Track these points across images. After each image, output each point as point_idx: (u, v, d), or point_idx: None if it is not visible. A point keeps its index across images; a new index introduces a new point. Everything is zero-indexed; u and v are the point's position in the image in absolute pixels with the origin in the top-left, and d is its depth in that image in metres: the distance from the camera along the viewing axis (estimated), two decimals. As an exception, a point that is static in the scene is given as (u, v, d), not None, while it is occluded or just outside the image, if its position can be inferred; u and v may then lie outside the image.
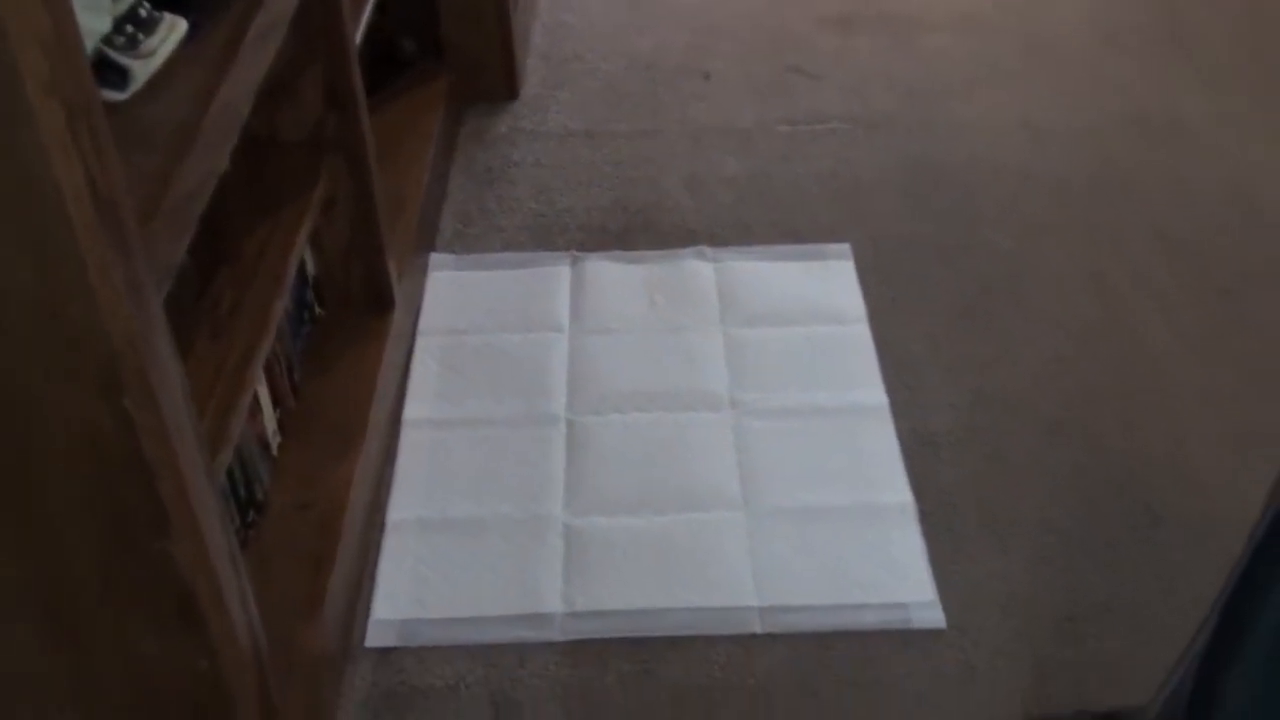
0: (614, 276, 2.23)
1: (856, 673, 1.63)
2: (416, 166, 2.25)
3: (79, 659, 1.18)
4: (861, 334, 2.11)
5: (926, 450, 1.91)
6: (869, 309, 2.16)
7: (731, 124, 2.63)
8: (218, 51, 1.26)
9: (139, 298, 0.99)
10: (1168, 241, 2.30)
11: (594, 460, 1.89)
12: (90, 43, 1.11)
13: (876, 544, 1.77)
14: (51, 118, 0.86)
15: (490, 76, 2.64)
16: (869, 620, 1.68)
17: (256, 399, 1.59)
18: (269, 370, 1.64)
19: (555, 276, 2.23)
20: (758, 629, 1.68)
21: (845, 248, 2.29)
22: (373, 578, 1.74)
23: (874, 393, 2.00)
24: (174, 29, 1.20)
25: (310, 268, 1.87)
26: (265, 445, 1.65)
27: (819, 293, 2.19)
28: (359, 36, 1.89)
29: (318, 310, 1.91)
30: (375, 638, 1.67)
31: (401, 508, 1.83)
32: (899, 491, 1.85)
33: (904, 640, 1.66)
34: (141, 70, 1.16)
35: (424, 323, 2.14)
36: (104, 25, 1.15)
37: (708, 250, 2.28)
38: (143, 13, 1.19)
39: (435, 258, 2.26)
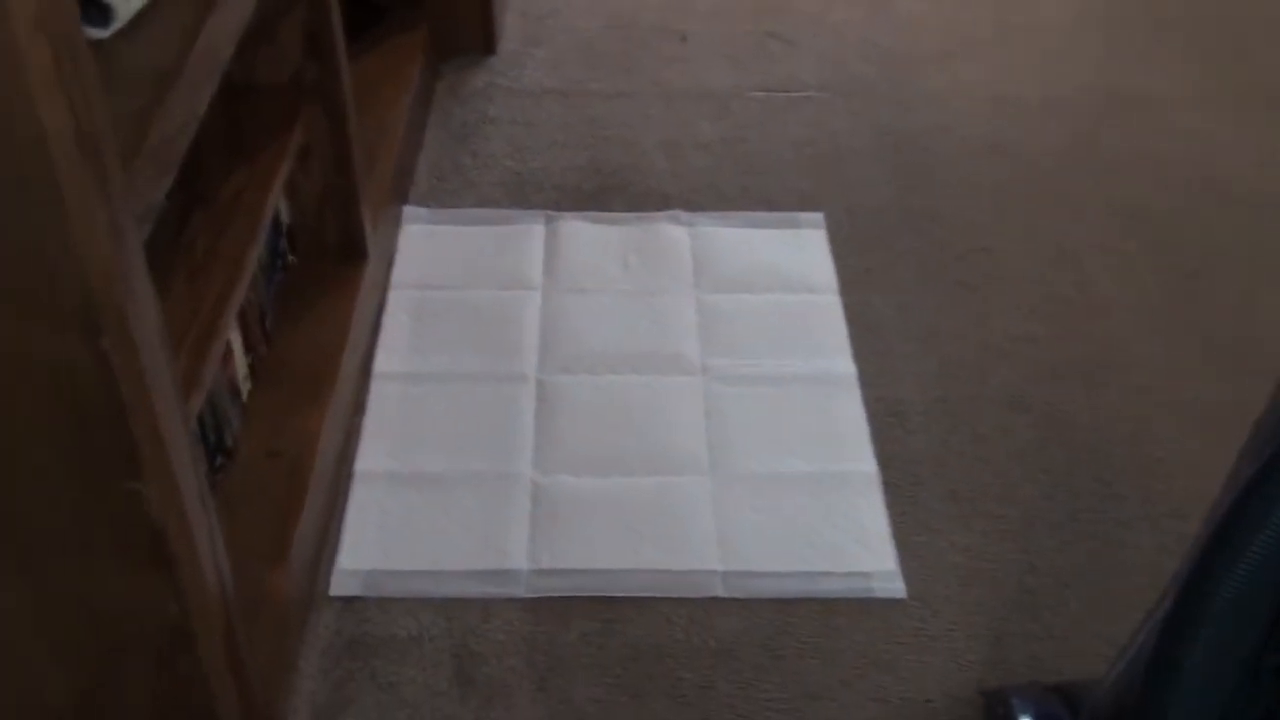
0: (588, 237, 2.23)
1: (817, 639, 1.64)
2: (393, 118, 2.23)
3: (46, 598, 1.18)
4: (832, 303, 2.12)
5: (893, 420, 1.93)
6: (840, 278, 2.17)
7: (707, 88, 2.63)
8: (202, -8, 1.25)
9: (119, 238, 0.99)
10: (1136, 218, 2.32)
11: (563, 419, 1.90)
12: (75, -22, 1.09)
13: (841, 512, 1.79)
14: (38, 54, 0.85)
15: (468, 30, 2.63)
16: (831, 588, 1.70)
17: (229, 345, 1.58)
18: (241, 317, 1.64)
19: (529, 234, 2.22)
20: (720, 592, 1.69)
21: (818, 216, 2.29)
22: (339, 527, 1.74)
23: (843, 362, 2.01)
24: (159, -32, 1.19)
25: (285, 216, 1.86)
26: (236, 391, 1.65)
27: (791, 261, 2.20)
28: (340, -16, 1.87)
29: (291, 258, 1.90)
30: (340, 586, 1.67)
31: (370, 459, 1.83)
32: (864, 461, 1.86)
33: (865, 609, 1.68)
34: (125, 8, 1.15)
35: (396, 275, 2.13)
36: (89, -39, 1.14)
37: (682, 215, 2.28)
38: (127, -50, 1.17)
39: (409, 210, 2.26)
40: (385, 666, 1.59)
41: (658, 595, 1.68)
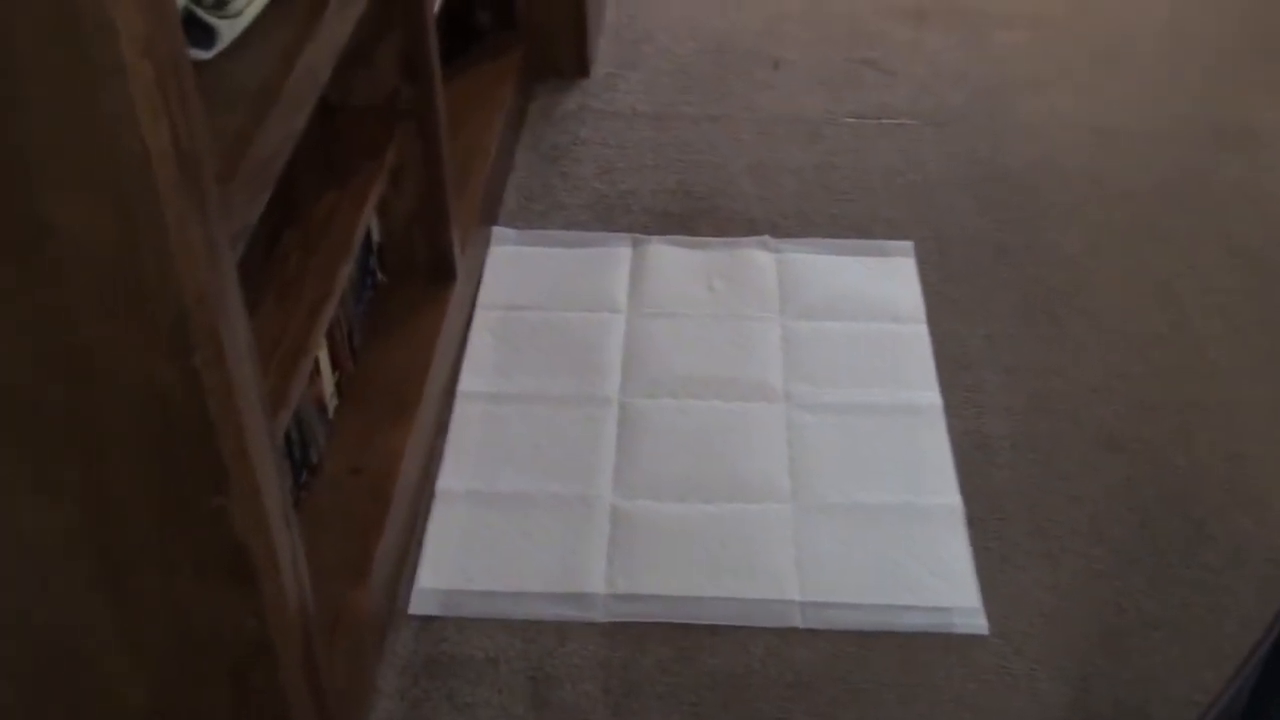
0: (674, 260, 2.22)
1: (896, 674, 1.62)
2: (485, 139, 2.25)
3: (130, 611, 1.19)
4: (920, 333, 2.10)
5: (979, 454, 1.90)
6: (928, 308, 2.14)
7: (799, 114, 2.61)
8: (303, 14, 1.27)
9: (214, 257, 1.00)
10: (1237, 254, 2.27)
11: (645, 444, 1.89)
12: (180, 1, 1.12)
13: (923, 546, 1.77)
14: (143, 75, 0.86)
15: (562, 53, 2.64)
16: (911, 622, 1.68)
17: (316, 362, 1.60)
18: (330, 334, 1.65)
19: (616, 257, 2.23)
20: (799, 623, 1.68)
21: (908, 245, 2.27)
22: (419, 546, 1.75)
23: (929, 393, 1.99)
24: (261, -9, 1.21)
25: (375, 234, 1.88)
26: (323, 408, 1.66)
27: (879, 289, 2.18)
28: (437, 7, 1.89)
29: (380, 277, 1.92)
30: (419, 605, 1.68)
31: (451, 478, 1.84)
32: (948, 494, 1.84)
33: (945, 644, 1.66)
34: (228, 30, 1.17)
35: (483, 296, 2.14)
36: (193, -16, 1.16)
37: (770, 240, 2.27)
38: (231, -27, 1.19)
39: (498, 231, 2.27)
40: (462, 687, 1.59)
41: (735, 624, 1.67)
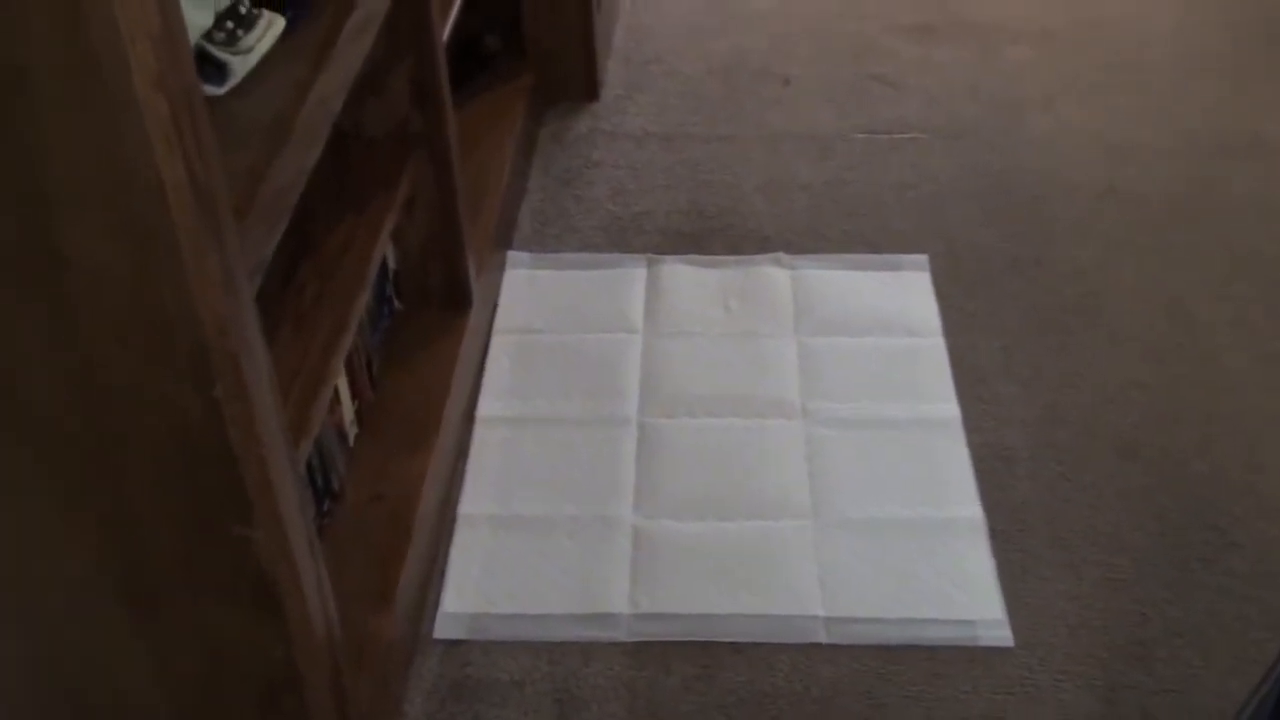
0: (689, 280, 2.23)
1: (921, 688, 1.62)
2: (497, 164, 2.27)
3: (158, 639, 1.21)
4: (936, 346, 2.10)
5: (999, 466, 1.90)
6: (944, 322, 2.15)
7: (810, 131, 2.62)
8: (313, 48, 1.28)
9: (232, 289, 1.01)
10: (1249, 265, 2.27)
11: (664, 463, 1.90)
12: (192, 37, 1.13)
13: (945, 559, 1.77)
14: (157, 110, 0.88)
15: (571, 77, 2.66)
16: (935, 635, 1.68)
17: (335, 391, 1.61)
18: (348, 363, 1.66)
19: (630, 278, 2.24)
20: (823, 639, 1.68)
21: (922, 259, 2.28)
22: (443, 571, 1.76)
23: (947, 406, 1.99)
24: (272, 26, 1.23)
25: (390, 262, 1.89)
26: (343, 436, 1.67)
27: (894, 304, 2.18)
28: (446, 34, 1.91)
29: (397, 305, 1.93)
30: (444, 630, 1.69)
31: (473, 503, 1.84)
32: (969, 506, 1.84)
33: (970, 657, 1.65)
34: (240, 66, 1.18)
35: (500, 320, 2.15)
36: (206, 20, 1.17)
37: (784, 257, 2.28)
38: (243, 9, 1.21)
39: (512, 255, 2.28)
40: (488, 711, 1.60)
41: (759, 641, 1.67)
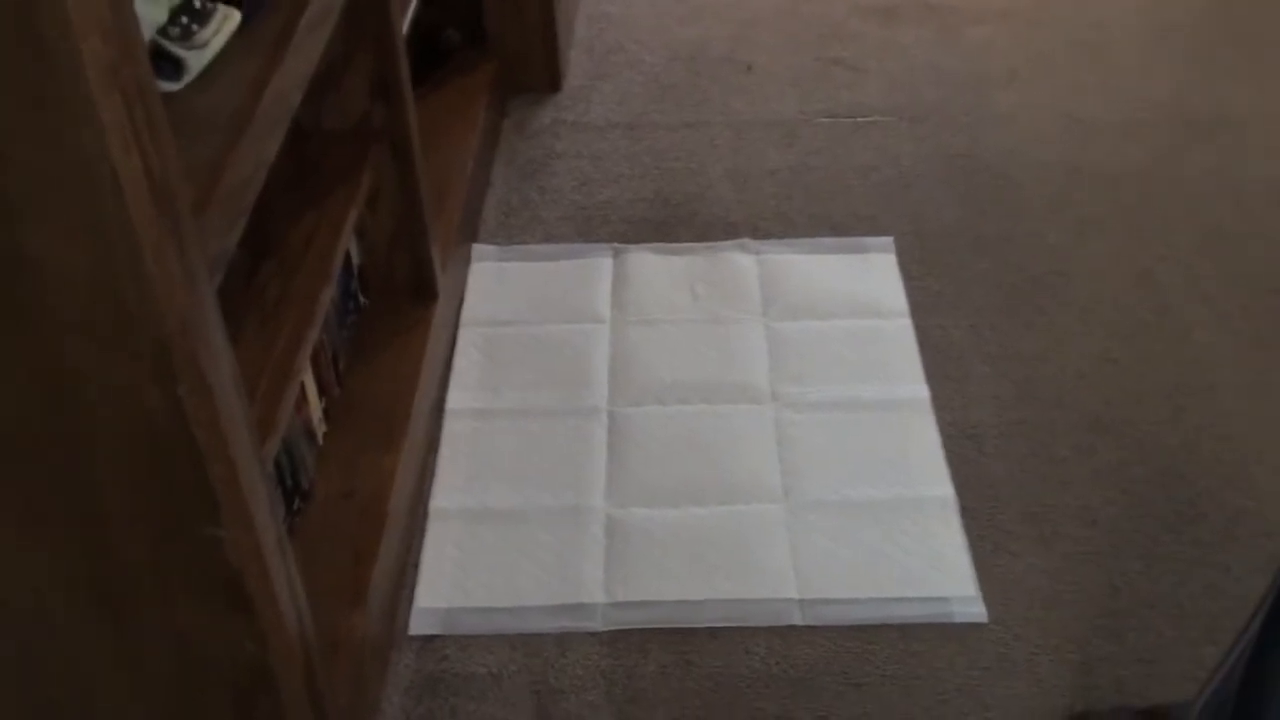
0: (656, 268, 2.23)
1: (898, 666, 1.63)
2: (460, 157, 2.26)
3: (127, 641, 1.20)
4: (904, 327, 2.10)
5: (969, 444, 1.91)
6: (911, 303, 2.15)
7: (774, 116, 2.62)
8: (270, 42, 1.27)
9: (193, 285, 1.00)
10: (1216, 239, 2.28)
11: (635, 451, 1.90)
12: (147, 33, 1.12)
13: (918, 538, 1.77)
14: (111, 105, 0.87)
15: (533, 68, 2.65)
16: (910, 614, 1.68)
17: (303, 388, 1.60)
18: (315, 359, 1.66)
19: (597, 268, 2.23)
20: (798, 621, 1.68)
21: (888, 241, 2.28)
22: (416, 566, 1.75)
23: (916, 387, 2.00)
24: (227, 20, 1.22)
25: (355, 257, 1.88)
26: (311, 434, 1.66)
27: (861, 286, 2.19)
28: (405, 27, 1.90)
29: (362, 300, 1.92)
30: (419, 625, 1.68)
31: (444, 497, 1.84)
32: (941, 485, 1.84)
33: (945, 634, 1.66)
34: (195, 61, 1.17)
35: (466, 313, 2.15)
36: (160, 16, 1.16)
37: (750, 243, 2.28)
38: (197, 4, 1.20)
39: (478, 248, 2.28)
40: (466, 705, 1.59)
41: (735, 625, 1.68)
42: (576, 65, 2.78)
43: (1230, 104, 2.63)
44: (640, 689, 1.61)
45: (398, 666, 1.64)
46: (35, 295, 0.95)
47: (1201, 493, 1.83)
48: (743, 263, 2.24)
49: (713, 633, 1.67)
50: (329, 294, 1.59)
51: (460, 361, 2.06)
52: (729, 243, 2.28)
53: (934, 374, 2.02)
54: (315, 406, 1.68)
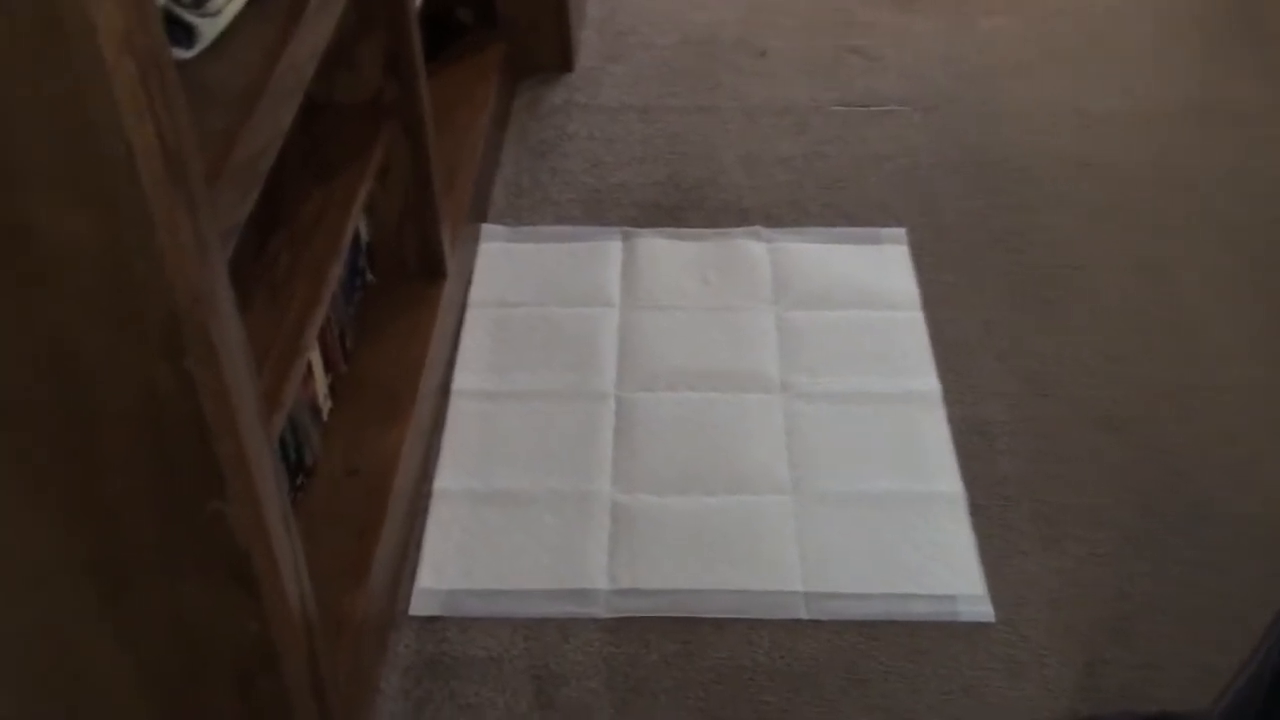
0: (666, 253, 2.21)
1: (902, 663, 1.61)
2: (471, 136, 2.23)
3: (131, 619, 1.18)
4: (915, 319, 2.08)
5: (979, 440, 1.89)
6: (923, 294, 2.13)
7: (788, 103, 2.60)
8: (283, 12, 1.25)
9: (204, 257, 0.98)
10: (1229, 234, 2.26)
11: (642, 437, 1.88)
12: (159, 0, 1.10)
13: (926, 534, 1.76)
14: (124, 73, 0.85)
15: (545, 48, 2.63)
16: (916, 610, 1.67)
17: (309, 364, 1.58)
18: (321, 335, 1.64)
19: (607, 251, 2.21)
20: (803, 614, 1.66)
21: (900, 232, 2.26)
22: (418, 546, 1.73)
23: (927, 379, 1.98)
24: (242, -12, 1.19)
25: (364, 234, 1.86)
26: (316, 410, 1.65)
27: (873, 277, 2.17)
28: (418, 3, 1.88)
29: (370, 277, 1.90)
30: (419, 606, 1.66)
31: (449, 477, 1.82)
32: (950, 481, 1.82)
33: (951, 632, 1.64)
34: (209, 29, 1.15)
35: (475, 293, 2.13)
36: (174, -19, 1.14)
37: (762, 230, 2.26)
38: (212, -30, 1.18)
39: (487, 228, 2.25)
40: (465, 688, 1.58)
41: (739, 617, 1.66)
42: (588, 46, 2.75)
43: (1246, 98, 2.60)
44: (642, 678, 1.59)
45: (397, 647, 1.62)
46: (42, 267, 0.93)
47: (1212, 495, 1.81)
48: (754, 250, 2.22)
49: (716, 623, 1.65)
50: (338, 270, 1.57)
51: (467, 341, 2.04)
52: (740, 230, 2.26)
53: (945, 367, 2.00)
54: (321, 382, 1.67)
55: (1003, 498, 1.81)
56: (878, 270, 2.18)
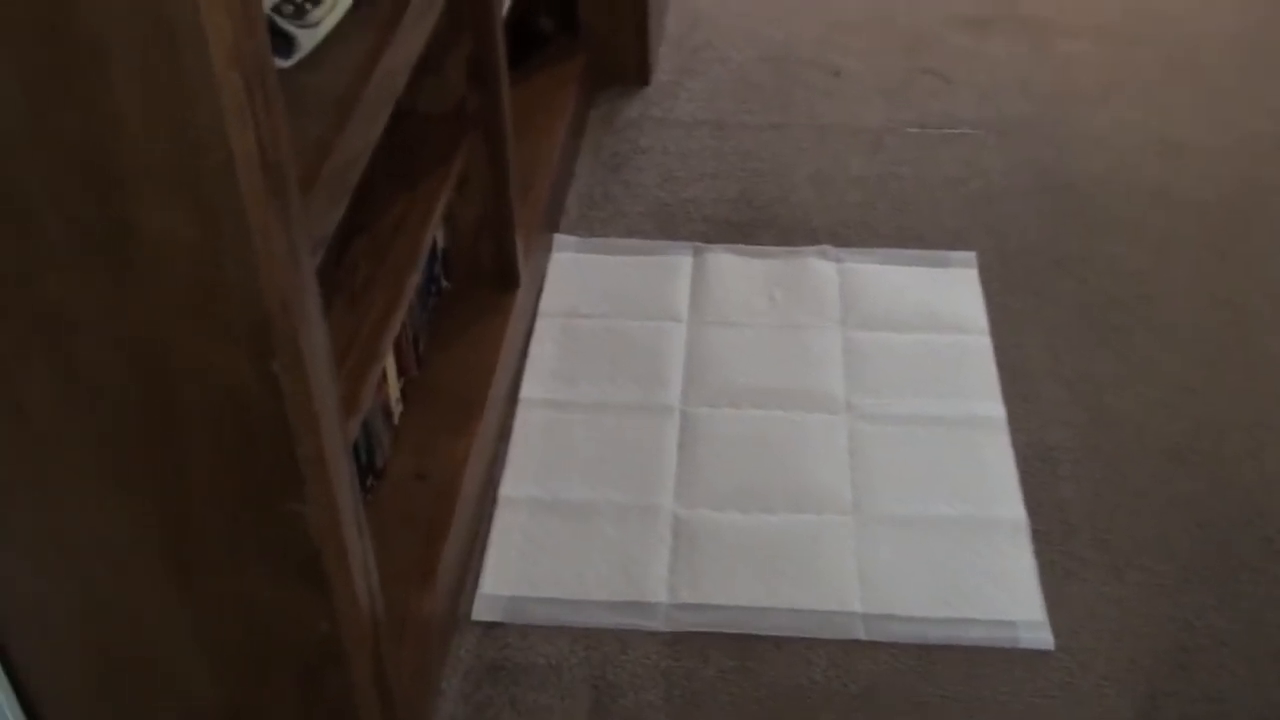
0: (735, 269, 2.22)
1: (960, 688, 1.61)
2: (547, 147, 2.26)
3: (202, 610, 1.21)
4: (982, 344, 2.08)
5: (1043, 467, 1.88)
6: (991, 319, 2.13)
7: (861, 123, 2.61)
8: (379, 23, 1.27)
9: (296, 264, 1.01)
10: (1305, 271, 2.24)
11: (706, 453, 1.89)
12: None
13: (987, 559, 1.75)
14: (232, 84, 0.87)
15: (624, 60, 2.65)
16: (975, 636, 1.66)
17: (383, 368, 1.60)
18: (396, 341, 1.66)
19: (677, 266, 2.23)
20: (861, 635, 1.67)
21: (970, 255, 2.26)
22: (483, 552, 1.76)
23: (992, 405, 1.97)
24: (340, 1, 1.22)
25: (440, 241, 1.89)
26: (388, 413, 1.67)
27: (941, 300, 2.17)
28: (504, 13, 1.90)
29: (444, 283, 1.93)
30: (482, 611, 1.69)
31: (514, 485, 1.84)
32: (1013, 507, 1.82)
33: (1010, 659, 1.64)
34: (307, 39, 1.18)
35: (545, 303, 2.15)
36: (275, -7, 1.17)
37: (831, 250, 2.26)
38: (311, -17, 1.20)
39: (559, 239, 2.28)
40: (524, 694, 1.60)
41: (797, 635, 1.67)
42: (665, 60, 2.77)
43: (1328, 136, 2.58)
44: (698, 692, 1.61)
45: (459, 651, 1.65)
46: (139, 267, 0.96)
47: (1278, 530, 1.80)
48: (823, 269, 2.23)
49: (774, 641, 1.66)
50: (416, 279, 1.59)
51: (536, 351, 2.06)
52: (810, 249, 2.27)
53: (1010, 393, 1.99)
54: (394, 386, 1.69)
55: (1065, 525, 1.80)
56: (946, 293, 2.18)
